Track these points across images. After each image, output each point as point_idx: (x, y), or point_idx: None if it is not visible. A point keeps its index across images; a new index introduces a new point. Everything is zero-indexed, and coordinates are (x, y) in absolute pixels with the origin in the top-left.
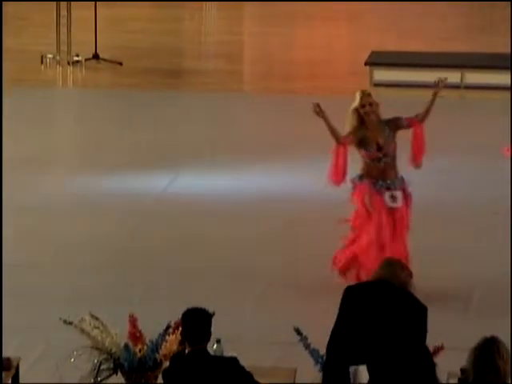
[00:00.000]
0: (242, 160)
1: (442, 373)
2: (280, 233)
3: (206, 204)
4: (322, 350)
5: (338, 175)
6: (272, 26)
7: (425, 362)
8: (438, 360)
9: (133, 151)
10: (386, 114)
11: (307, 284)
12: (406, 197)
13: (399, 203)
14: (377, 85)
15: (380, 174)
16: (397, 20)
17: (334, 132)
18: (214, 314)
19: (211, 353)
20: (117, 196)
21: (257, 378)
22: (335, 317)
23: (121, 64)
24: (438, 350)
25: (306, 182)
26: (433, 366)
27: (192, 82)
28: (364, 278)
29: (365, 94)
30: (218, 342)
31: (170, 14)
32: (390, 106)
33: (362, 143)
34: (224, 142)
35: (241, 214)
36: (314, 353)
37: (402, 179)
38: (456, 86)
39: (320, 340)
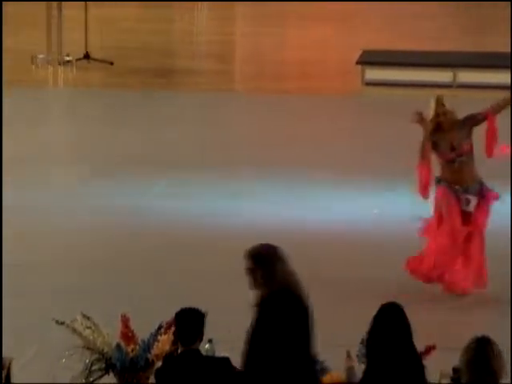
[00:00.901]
0: (232, 159)
1: (433, 372)
2: (272, 235)
3: (196, 205)
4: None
5: (423, 189)
6: (263, 25)
7: (414, 364)
8: (430, 360)
9: (125, 150)
10: (377, 113)
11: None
12: (483, 203)
13: (471, 208)
14: (368, 84)
15: (457, 177)
16: (388, 20)
17: (423, 147)
18: (206, 314)
19: (203, 353)
20: (109, 196)
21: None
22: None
23: (112, 64)
24: (430, 349)
25: (298, 183)
26: (422, 367)
27: (183, 81)
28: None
29: (439, 104)
30: (210, 341)
31: (161, 14)
32: (381, 105)
33: (436, 145)
34: (215, 142)
35: (232, 215)
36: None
37: (481, 184)
38: (448, 86)
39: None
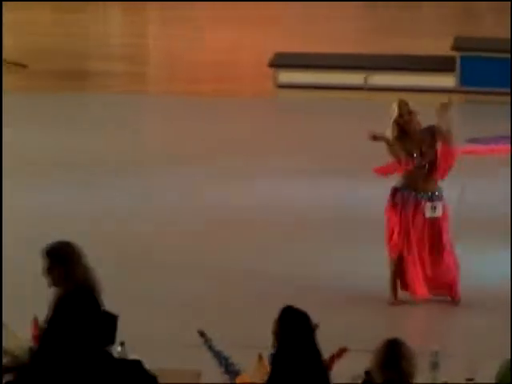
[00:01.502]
0: (145, 162)
1: (345, 375)
2: (198, 234)
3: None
4: (226, 352)
5: (383, 171)
6: (177, 28)
7: (316, 369)
8: (342, 362)
9: (38, 154)
10: (292, 115)
11: (214, 279)
12: (445, 209)
13: (439, 213)
14: (281, 87)
15: (422, 184)
16: (301, 22)
17: (393, 151)
18: (117, 316)
19: (115, 355)
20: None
21: (161, 380)
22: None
23: (26, 66)
24: (342, 352)
25: (213, 182)
26: (324, 372)
27: (96, 84)
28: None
29: (402, 104)
30: (122, 344)
31: (73, 18)
32: (294, 107)
33: (404, 151)
34: (128, 144)
35: (136, 215)
36: (218, 355)
37: (441, 190)
38: (360, 88)
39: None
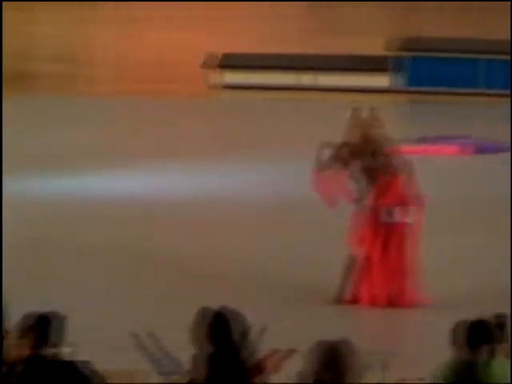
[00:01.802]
0: (86, 161)
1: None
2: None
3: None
4: (160, 353)
5: (329, 201)
6: (122, 29)
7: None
8: (291, 362)
9: None
10: (239, 115)
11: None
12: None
13: (397, 218)
14: (227, 87)
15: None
16: (247, 23)
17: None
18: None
19: (64, 357)
20: None
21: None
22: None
23: None
24: (291, 352)
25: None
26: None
27: (40, 85)
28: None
29: (355, 110)
30: (69, 346)
31: (21, 17)
32: (240, 107)
33: (358, 156)
34: (72, 145)
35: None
36: (151, 356)
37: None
38: (296, 88)
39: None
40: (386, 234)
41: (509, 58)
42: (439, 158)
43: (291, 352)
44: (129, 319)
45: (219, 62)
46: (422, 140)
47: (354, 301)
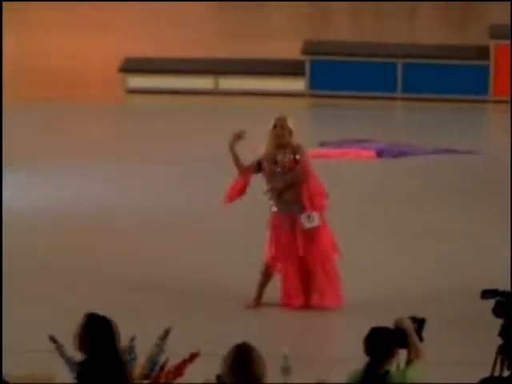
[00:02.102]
0: None
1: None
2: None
3: None
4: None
5: (230, 197)
6: (26, 34)
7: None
8: (195, 366)
9: None
10: (142, 121)
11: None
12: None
13: (316, 223)
14: (131, 92)
15: (293, 196)
16: (150, 27)
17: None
18: None
19: None
20: None
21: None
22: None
23: None
24: (194, 356)
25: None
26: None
27: None
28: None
29: (279, 120)
30: None
31: None
32: (144, 112)
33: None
34: None
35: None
36: (69, 360)
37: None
38: (211, 92)
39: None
40: (296, 237)
41: (428, 61)
42: (352, 161)
43: (194, 356)
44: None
45: (122, 67)
46: (327, 143)
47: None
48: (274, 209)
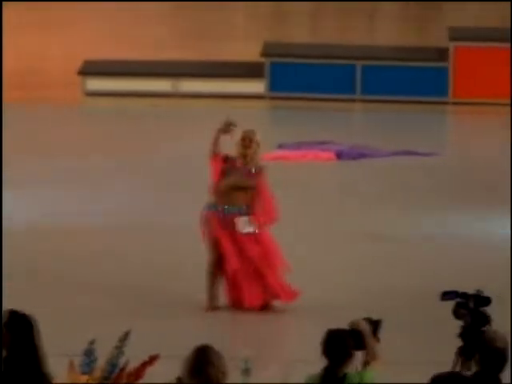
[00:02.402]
0: None
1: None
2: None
3: None
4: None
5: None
6: None
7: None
8: (155, 369)
9: None
10: (101, 123)
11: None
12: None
13: (253, 229)
14: (90, 94)
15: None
16: (110, 28)
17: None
18: None
19: None
20: None
21: None
22: None
23: None
24: (153, 359)
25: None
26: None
27: None
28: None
29: (248, 132)
30: None
31: None
32: (103, 114)
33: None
34: None
35: None
36: None
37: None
38: (169, 95)
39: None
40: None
41: (388, 63)
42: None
43: (153, 359)
44: None
45: (81, 69)
46: (285, 145)
47: (234, 305)
48: (215, 208)
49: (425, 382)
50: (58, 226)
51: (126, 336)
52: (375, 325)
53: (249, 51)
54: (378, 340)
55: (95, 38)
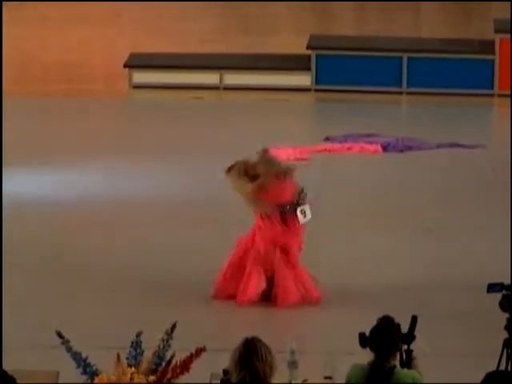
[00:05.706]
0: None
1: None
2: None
3: None
4: (84, 353)
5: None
6: (25, 28)
7: None
8: (201, 361)
9: None
10: (145, 115)
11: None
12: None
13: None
14: (136, 87)
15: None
16: (154, 22)
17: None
18: None
19: None
20: None
21: (19, 381)
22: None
23: None
24: (200, 351)
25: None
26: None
27: None
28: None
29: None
30: None
31: None
32: (149, 107)
33: None
34: None
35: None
36: (75, 356)
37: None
38: (215, 88)
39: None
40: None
41: (434, 55)
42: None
43: (200, 351)
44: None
45: (127, 62)
46: (336, 138)
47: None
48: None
49: (472, 374)
50: (105, 219)
51: (172, 328)
52: (412, 321)
53: (294, 44)
54: (414, 337)
55: (140, 32)
